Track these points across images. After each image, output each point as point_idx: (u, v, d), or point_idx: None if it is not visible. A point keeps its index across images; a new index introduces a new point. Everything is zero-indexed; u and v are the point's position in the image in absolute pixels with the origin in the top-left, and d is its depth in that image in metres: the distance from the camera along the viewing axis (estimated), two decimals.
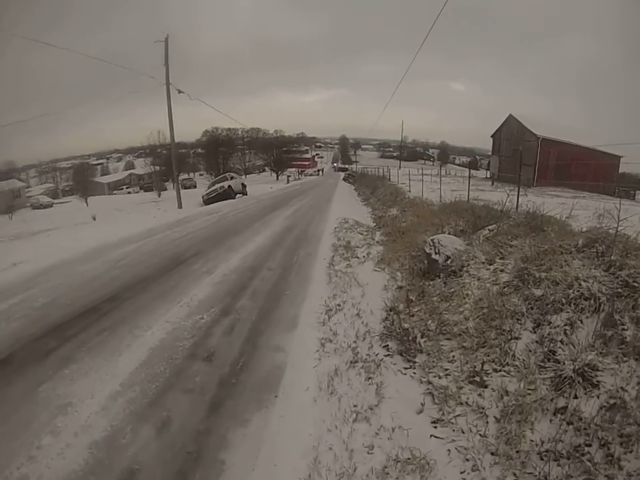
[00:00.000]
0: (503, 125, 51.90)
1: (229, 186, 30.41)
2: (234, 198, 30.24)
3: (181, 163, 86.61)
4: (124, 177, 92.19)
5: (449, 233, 8.77)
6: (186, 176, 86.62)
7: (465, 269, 6.88)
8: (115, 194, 78.68)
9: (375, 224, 15.89)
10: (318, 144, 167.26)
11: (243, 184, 34.30)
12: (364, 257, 10.05)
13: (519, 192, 11.34)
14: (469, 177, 16.13)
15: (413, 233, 10.85)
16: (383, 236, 12.72)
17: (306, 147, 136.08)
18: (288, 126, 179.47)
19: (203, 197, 30.33)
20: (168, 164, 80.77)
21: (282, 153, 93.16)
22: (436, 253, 7.38)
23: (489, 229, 8.43)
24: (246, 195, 33.65)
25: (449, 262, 7.14)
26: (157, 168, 66.03)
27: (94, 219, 26.51)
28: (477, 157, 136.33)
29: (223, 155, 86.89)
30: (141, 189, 79.72)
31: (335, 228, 14.20)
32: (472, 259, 7.03)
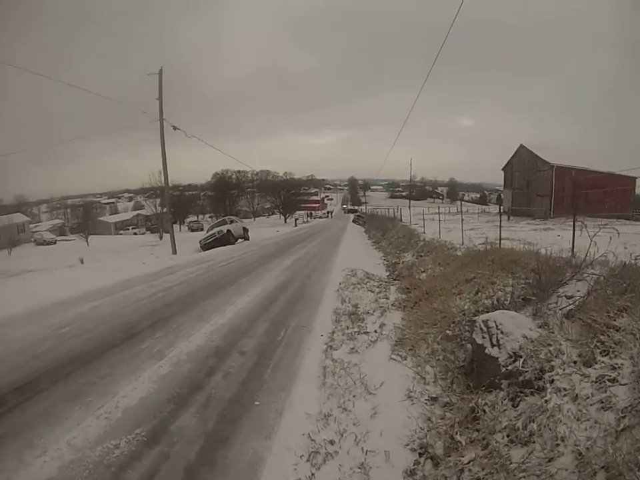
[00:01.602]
0: (513, 156, 50.07)
1: (228, 230, 28.13)
2: (233, 243, 28.02)
3: (189, 205, 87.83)
4: (131, 217, 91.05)
5: (500, 304, 6.07)
6: (194, 218, 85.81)
7: (547, 375, 4.05)
8: (121, 234, 77.62)
9: (388, 273, 13.80)
10: (327, 186, 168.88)
11: (244, 228, 31.87)
12: (376, 332, 7.34)
13: (574, 230, 8.69)
14: (500, 214, 13.19)
15: (441, 292, 8.39)
16: (400, 292, 10.40)
17: (315, 189, 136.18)
18: (298, 168, 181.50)
19: (200, 242, 28.17)
20: (174, 205, 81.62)
21: (291, 195, 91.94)
22: (494, 345, 4.58)
23: (566, 296, 5.63)
24: (247, 239, 31.33)
25: (518, 363, 4.27)
26: (162, 209, 64.25)
27: (81, 262, 25.14)
28: (485, 192, 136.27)
29: (230, 197, 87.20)
30: (147, 230, 78.85)
31: (340, 283, 11.65)
32: (556, 356, 4.21)
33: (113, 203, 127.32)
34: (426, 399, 4.81)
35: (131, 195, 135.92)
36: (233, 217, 33.95)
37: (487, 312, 5.79)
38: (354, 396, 5.04)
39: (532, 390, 3.98)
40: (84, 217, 67.50)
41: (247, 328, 7.86)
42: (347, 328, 7.56)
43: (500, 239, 11.83)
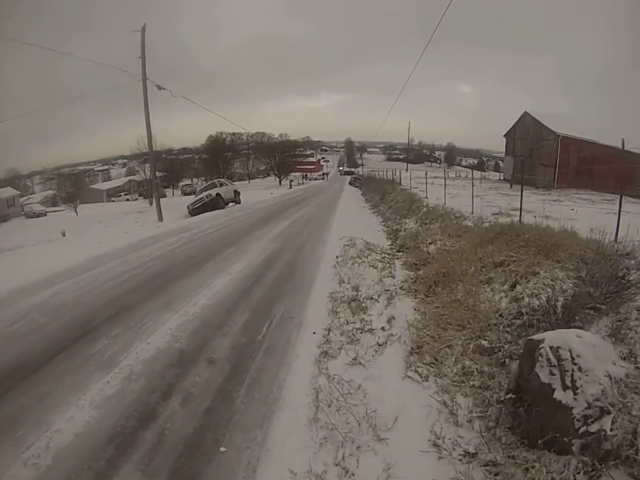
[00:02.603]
0: (517, 123, 48.04)
1: (217, 194, 26.34)
2: (223, 207, 26.29)
3: (182, 169, 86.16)
4: (123, 184, 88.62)
5: (557, 312, 4.58)
6: (188, 182, 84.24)
7: None
8: (113, 201, 75.75)
9: (390, 242, 12.37)
10: (324, 148, 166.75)
11: (235, 191, 30.05)
12: (384, 329, 5.80)
13: (620, 209, 7.24)
14: (522, 188, 11.49)
15: (462, 276, 6.92)
16: (408, 268, 9.01)
17: (311, 151, 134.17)
18: (295, 130, 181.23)
19: (188, 207, 26.46)
20: (167, 169, 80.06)
21: (286, 156, 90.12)
22: (566, 387, 3.03)
23: None
24: (239, 203, 29.61)
25: (602, 422, 2.77)
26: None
27: (63, 235, 23.96)
28: (483, 158, 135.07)
29: (224, 159, 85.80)
30: (140, 196, 77.04)
31: (337, 257, 10.14)
32: None
33: (107, 170, 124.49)
34: (460, 454, 3.30)
35: (125, 161, 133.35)
36: (222, 180, 31.99)
37: (538, 320, 4.41)
38: (358, 447, 3.49)
39: (622, 464, 2.51)
40: (73, 186, 65.36)
41: (222, 321, 6.39)
42: (347, 322, 6.03)
43: (520, 212, 10.32)
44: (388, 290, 7.40)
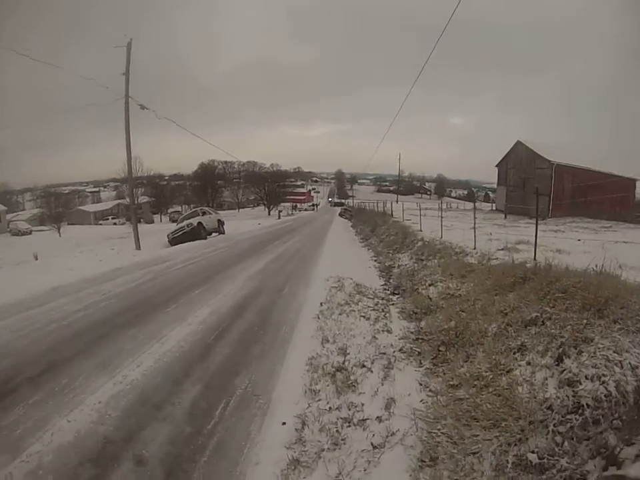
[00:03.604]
0: (509, 153, 47.71)
1: (199, 223, 24.73)
2: (205, 238, 24.60)
3: (172, 195, 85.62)
4: (111, 207, 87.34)
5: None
6: (178, 208, 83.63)
7: None
8: (100, 224, 74.69)
9: (383, 282, 11.27)
10: (314, 178, 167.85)
11: (219, 220, 28.47)
12: (379, 419, 4.21)
13: None
14: (537, 222, 10.04)
15: (480, 336, 5.44)
16: (406, 319, 7.66)
17: (302, 182, 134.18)
18: (287, 160, 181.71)
19: (168, 235, 24.80)
20: (157, 195, 79.18)
21: (276, 186, 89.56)
22: None
23: None
24: (223, 233, 28.03)
25: None
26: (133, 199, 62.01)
27: (35, 258, 22.32)
28: (472, 189, 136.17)
29: (214, 187, 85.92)
30: (127, 220, 75.94)
31: (321, 304, 8.58)
32: None
33: (97, 191, 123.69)
34: None
35: (117, 183, 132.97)
36: (205, 208, 30.40)
37: (603, 416, 2.91)
38: None
39: None
40: (61, 206, 64.86)
41: (166, 396, 4.81)
42: (329, 408, 4.43)
43: (535, 248, 8.94)
44: (384, 353, 5.82)
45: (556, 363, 4.15)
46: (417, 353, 5.75)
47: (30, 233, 57.04)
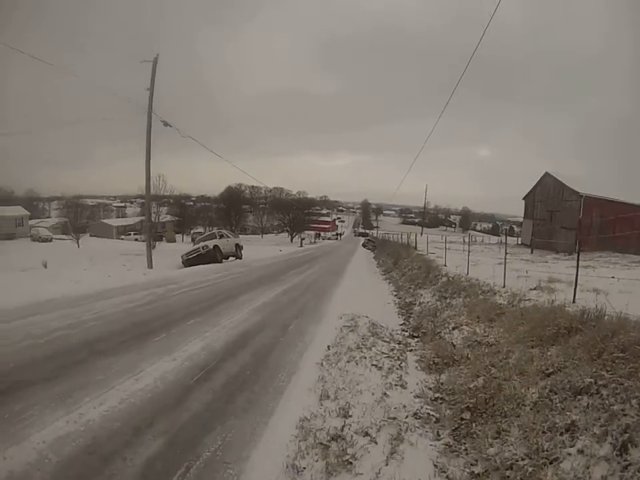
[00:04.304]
0: (537, 185, 47.16)
1: (215, 246, 23.90)
2: (220, 261, 23.74)
3: (197, 216, 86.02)
4: (135, 223, 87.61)
5: None
6: (201, 230, 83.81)
7: None
8: (122, 238, 74.38)
9: (402, 322, 10.31)
10: (340, 208, 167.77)
11: (237, 244, 27.61)
12: None
13: None
14: (578, 258, 8.96)
15: (514, 404, 4.39)
16: (425, 370, 6.64)
17: (327, 210, 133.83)
18: (313, 189, 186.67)
19: (182, 256, 24.00)
20: (181, 215, 79.46)
21: (301, 214, 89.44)
22: None
23: None
24: (239, 258, 27.14)
25: None
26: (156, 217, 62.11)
27: (45, 266, 21.50)
28: (497, 222, 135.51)
29: (239, 211, 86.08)
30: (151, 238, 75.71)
31: (329, 347, 7.56)
32: None
33: (123, 206, 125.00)
34: None
35: (144, 200, 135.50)
36: (224, 231, 29.36)
37: None
38: None
39: None
40: (81, 217, 64.84)
41: (117, 449, 3.95)
42: None
43: (575, 292, 7.90)
44: (394, 418, 4.73)
45: (618, 453, 3.06)
46: (434, 419, 4.67)
47: (50, 241, 56.94)
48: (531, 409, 4.03)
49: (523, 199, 50.24)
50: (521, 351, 5.41)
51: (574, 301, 7.45)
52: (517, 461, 3.39)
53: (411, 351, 7.62)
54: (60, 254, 29.62)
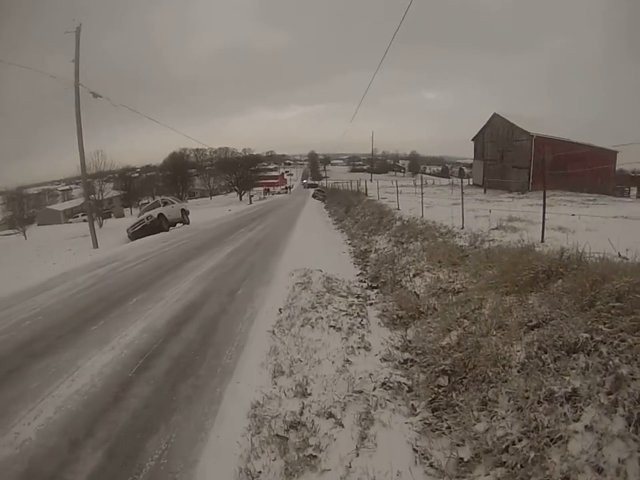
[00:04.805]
0: (486, 126, 46.85)
1: (160, 214, 22.65)
2: (167, 230, 22.57)
3: (145, 187, 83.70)
4: (81, 204, 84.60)
5: None
6: (150, 200, 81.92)
7: None
8: (70, 222, 71.82)
9: (359, 272, 9.85)
10: (287, 161, 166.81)
11: (183, 210, 26.35)
12: None
13: None
14: (544, 194, 8.52)
15: (504, 371, 3.70)
16: (390, 325, 6.06)
17: (275, 165, 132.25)
18: (260, 145, 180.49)
19: (127, 230, 22.83)
20: (127, 188, 77.07)
21: (248, 171, 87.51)
22: None
23: None
24: (187, 223, 25.94)
25: None
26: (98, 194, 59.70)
27: None
28: (447, 165, 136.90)
29: (186, 176, 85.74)
30: (98, 216, 73.27)
31: (280, 310, 6.92)
32: None
33: (69, 189, 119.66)
34: None
35: (89, 179, 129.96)
36: (167, 198, 27.95)
37: None
38: None
39: None
40: (27, 208, 62.16)
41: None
42: None
43: (543, 231, 7.52)
44: (361, 391, 4.12)
45: (634, 429, 2.49)
46: (406, 388, 4.08)
47: None
48: (519, 372, 3.43)
49: (472, 139, 49.97)
50: (495, 299, 4.84)
51: (542, 240, 7.00)
52: (513, 441, 2.81)
53: (371, 304, 7.10)
54: (6, 250, 28.14)
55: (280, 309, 6.91)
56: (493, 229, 9.11)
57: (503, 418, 3.07)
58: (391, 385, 4.21)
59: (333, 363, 4.84)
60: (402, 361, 4.68)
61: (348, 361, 4.85)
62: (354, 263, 10.78)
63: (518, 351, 3.68)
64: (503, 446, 2.83)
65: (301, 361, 4.96)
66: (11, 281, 11.76)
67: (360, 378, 4.39)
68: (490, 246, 7.23)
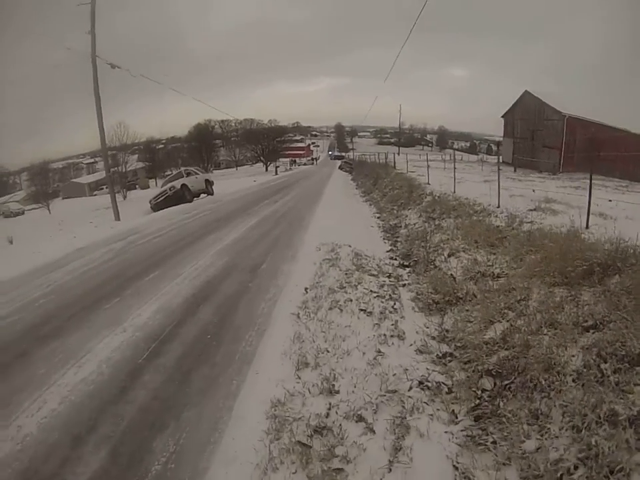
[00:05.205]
0: (516, 103, 45.30)
1: (183, 185, 22.45)
2: (191, 200, 22.38)
3: (169, 158, 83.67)
4: (105, 176, 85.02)
5: None
6: (174, 172, 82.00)
7: None
8: (95, 195, 71.84)
9: (390, 248, 9.37)
10: (314, 133, 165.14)
11: (207, 180, 26.01)
12: None
13: None
14: (591, 179, 7.93)
15: (558, 379, 3.21)
16: (425, 311, 5.61)
17: (301, 137, 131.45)
18: (286, 117, 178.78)
19: (150, 201, 22.66)
20: (152, 160, 77.17)
21: (274, 142, 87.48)
22: None
23: None
24: (211, 194, 25.63)
25: None
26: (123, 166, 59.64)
27: (10, 242, 19.98)
28: (475, 141, 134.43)
29: (210, 147, 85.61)
30: (122, 188, 73.54)
31: (307, 289, 6.50)
32: None
33: (93, 162, 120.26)
34: None
35: (114, 152, 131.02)
36: (191, 169, 27.52)
37: None
38: None
39: None
40: (52, 182, 62.67)
41: None
42: None
43: (588, 216, 6.92)
44: (395, 391, 3.68)
45: None
46: (446, 389, 3.64)
47: (22, 213, 54.19)
48: (575, 382, 2.96)
49: (502, 116, 48.62)
50: (541, 289, 4.34)
51: (587, 227, 6.46)
52: (569, 470, 2.36)
53: (404, 285, 6.64)
54: (30, 225, 28.06)
55: (306, 289, 6.51)
56: (531, 210, 8.57)
57: (557, 437, 2.63)
58: (429, 384, 3.76)
59: (363, 354, 4.41)
60: (440, 354, 4.24)
61: (380, 352, 4.42)
62: (383, 238, 10.37)
63: (573, 356, 3.20)
64: (558, 474, 2.38)
65: (328, 351, 4.53)
66: (29, 256, 11.45)
67: (394, 374, 3.95)
68: (530, 228, 6.70)
